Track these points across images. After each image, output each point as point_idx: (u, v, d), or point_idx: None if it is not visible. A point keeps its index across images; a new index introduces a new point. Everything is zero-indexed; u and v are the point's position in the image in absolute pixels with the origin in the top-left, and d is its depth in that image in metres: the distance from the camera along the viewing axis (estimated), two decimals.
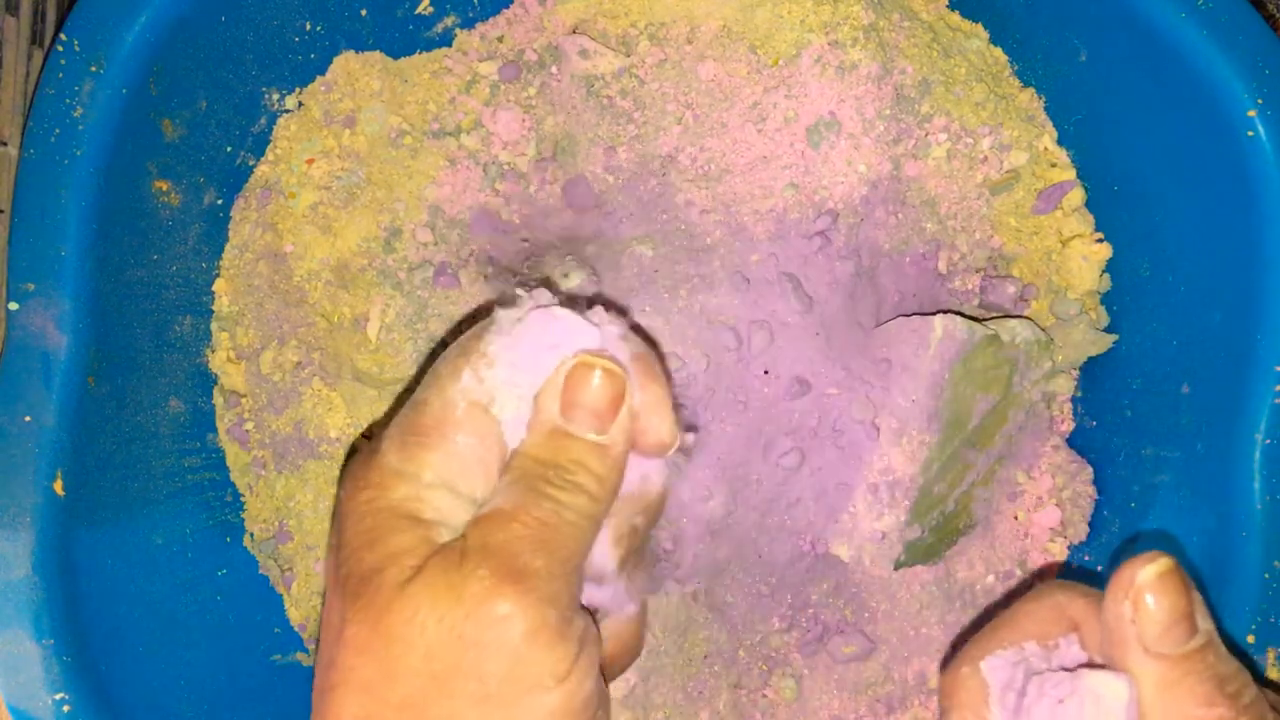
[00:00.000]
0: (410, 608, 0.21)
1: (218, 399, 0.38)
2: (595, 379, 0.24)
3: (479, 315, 0.35)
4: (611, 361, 0.24)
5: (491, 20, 0.39)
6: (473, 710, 0.21)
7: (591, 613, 0.25)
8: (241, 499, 0.38)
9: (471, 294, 0.36)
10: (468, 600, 0.21)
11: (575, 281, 0.35)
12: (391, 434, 0.24)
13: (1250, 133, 0.31)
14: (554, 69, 0.37)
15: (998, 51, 0.38)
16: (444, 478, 0.23)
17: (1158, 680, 0.22)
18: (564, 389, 0.24)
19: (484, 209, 0.37)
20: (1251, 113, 0.30)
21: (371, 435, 0.36)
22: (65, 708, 0.29)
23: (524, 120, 0.37)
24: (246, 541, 0.38)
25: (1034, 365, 0.36)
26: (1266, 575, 0.31)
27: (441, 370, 0.25)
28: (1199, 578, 0.32)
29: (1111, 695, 0.23)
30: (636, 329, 0.28)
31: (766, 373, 0.35)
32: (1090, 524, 0.37)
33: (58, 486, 0.30)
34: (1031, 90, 0.38)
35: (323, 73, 0.38)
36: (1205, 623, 0.22)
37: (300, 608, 0.38)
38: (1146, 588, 0.22)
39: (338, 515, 0.24)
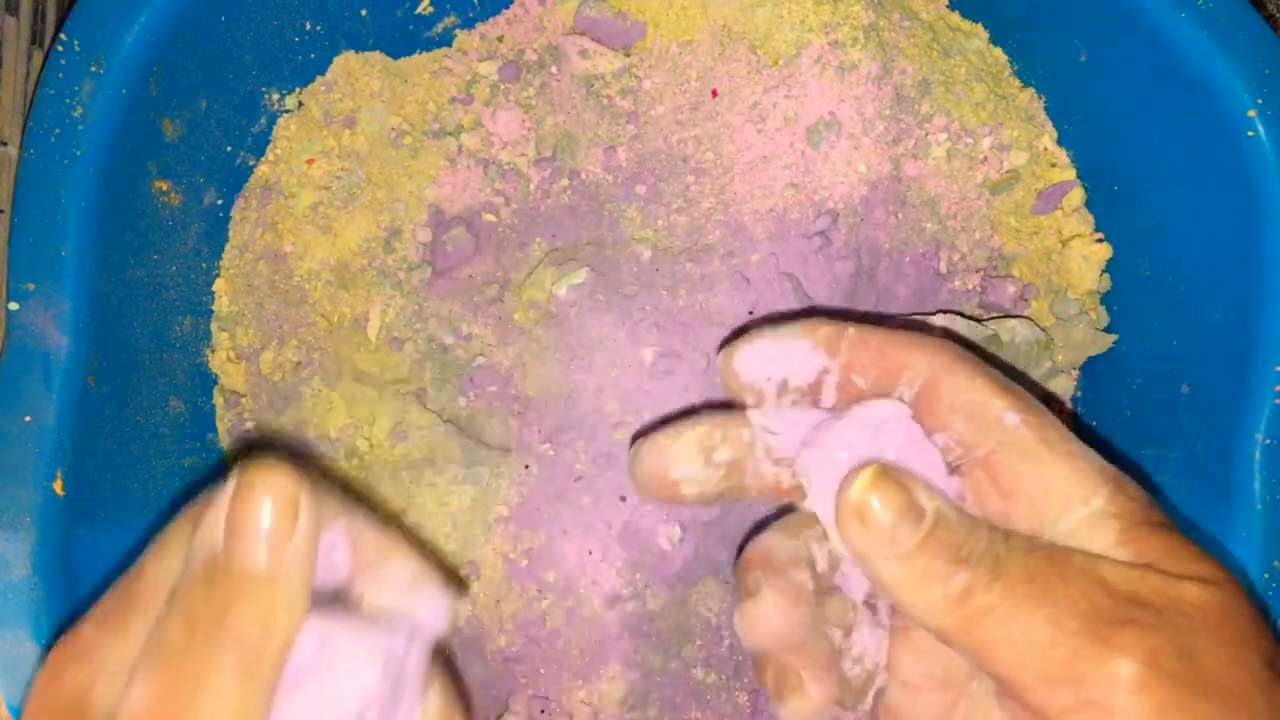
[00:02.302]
0: None
1: (218, 399, 0.38)
2: (261, 497, 0.20)
3: None
4: (282, 474, 0.20)
5: (491, 20, 0.39)
6: None
7: None
8: None
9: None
10: None
11: (575, 281, 0.35)
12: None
13: (1250, 133, 0.31)
14: (554, 69, 0.37)
15: (998, 51, 0.38)
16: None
17: (904, 576, 0.22)
18: (229, 513, 0.20)
19: (483, 209, 0.37)
20: (1251, 113, 0.30)
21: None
22: None
23: (524, 120, 0.37)
24: None
25: (1034, 365, 0.36)
26: (1266, 575, 0.31)
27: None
28: None
29: (881, 417, 0.24)
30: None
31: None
32: None
33: (58, 486, 0.30)
34: (1031, 90, 0.38)
35: (323, 73, 0.38)
36: (931, 502, 0.22)
37: None
38: (864, 500, 0.22)
39: None
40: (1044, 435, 0.23)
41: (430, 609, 0.23)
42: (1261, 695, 0.20)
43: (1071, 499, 0.22)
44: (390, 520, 0.29)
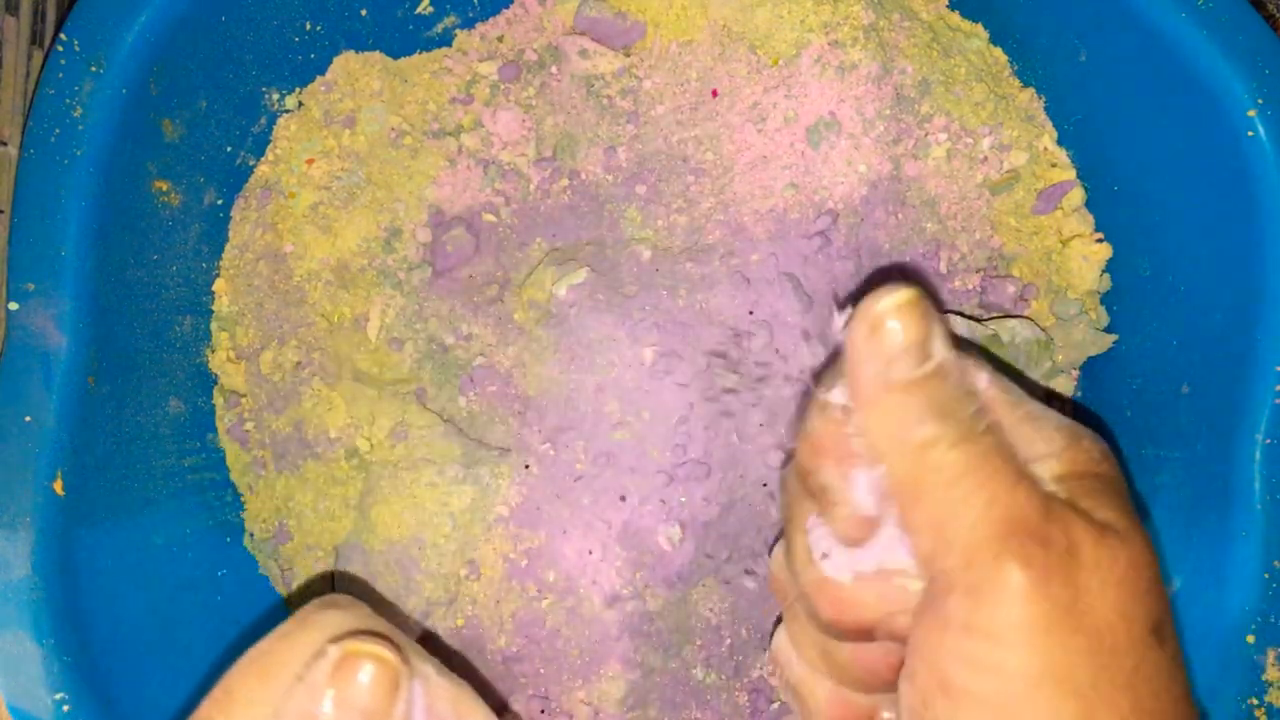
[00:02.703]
0: None
1: (218, 399, 0.38)
2: (364, 671, 0.20)
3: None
4: (384, 647, 0.21)
5: (491, 20, 0.39)
6: None
7: None
8: (241, 499, 0.38)
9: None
10: None
11: (575, 281, 0.35)
12: None
13: (1250, 133, 0.31)
14: (554, 69, 0.37)
15: (998, 51, 0.38)
16: None
17: (881, 401, 0.22)
18: (332, 685, 0.20)
19: (483, 209, 0.37)
20: (1251, 113, 0.30)
21: None
22: (65, 708, 0.29)
23: (524, 120, 0.37)
24: (246, 541, 0.38)
25: (1034, 365, 0.36)
26: (1266, 575, 0.31)
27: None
28: (1200, 579, 0.32)
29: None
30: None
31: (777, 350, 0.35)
32: None
33: (58, 486, 0.30)
34: (1031, 90, 0.38)
35: (323, 73, 0.38)
36: (943, 352, 0.22)
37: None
38: (885, 314, 0.22)
39: None
40: (1005, 398, 0.23)
41: None
42: (1133, 650, 0.21)
43: (1029, 458, 0.23)
44: (456, 669, 0.28)
